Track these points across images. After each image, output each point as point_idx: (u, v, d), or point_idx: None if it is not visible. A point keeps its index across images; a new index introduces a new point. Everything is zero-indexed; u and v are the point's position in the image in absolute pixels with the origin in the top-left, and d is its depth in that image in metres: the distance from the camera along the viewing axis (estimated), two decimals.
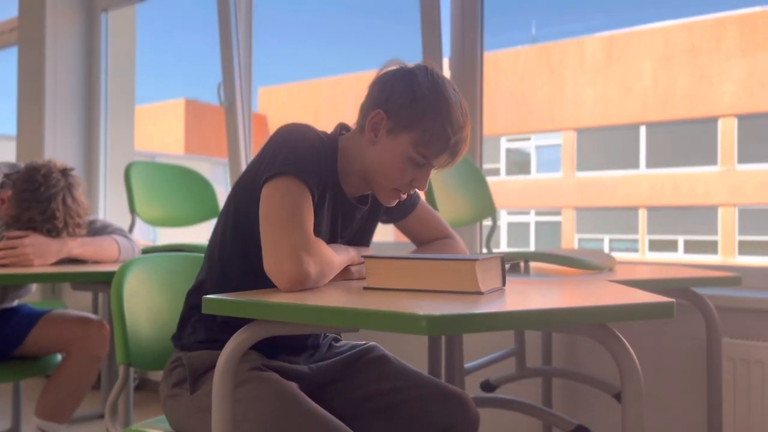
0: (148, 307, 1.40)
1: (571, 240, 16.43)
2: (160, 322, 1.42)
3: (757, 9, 14.11)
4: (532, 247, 16.48)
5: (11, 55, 3.97)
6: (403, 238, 1.54)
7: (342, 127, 1.32)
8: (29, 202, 1.89)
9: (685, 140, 14.93)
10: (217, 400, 0.97)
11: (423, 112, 1.18)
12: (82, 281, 1.91)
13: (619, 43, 15.60)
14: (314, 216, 1.14)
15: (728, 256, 14.55)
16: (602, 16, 23.66)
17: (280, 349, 1.23)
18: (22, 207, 1.89)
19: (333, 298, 0.99)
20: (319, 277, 1.09)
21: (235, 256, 1.23)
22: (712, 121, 14.61)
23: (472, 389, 1.94)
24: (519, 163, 17.31)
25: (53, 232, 1.91)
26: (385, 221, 1.43)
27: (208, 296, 0.99)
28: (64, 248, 1.91)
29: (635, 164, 15.66)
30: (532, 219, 17.37)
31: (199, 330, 1.24)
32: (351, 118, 1.32)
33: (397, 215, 1.42)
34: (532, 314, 0.86)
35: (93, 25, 3.67)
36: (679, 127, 14.94)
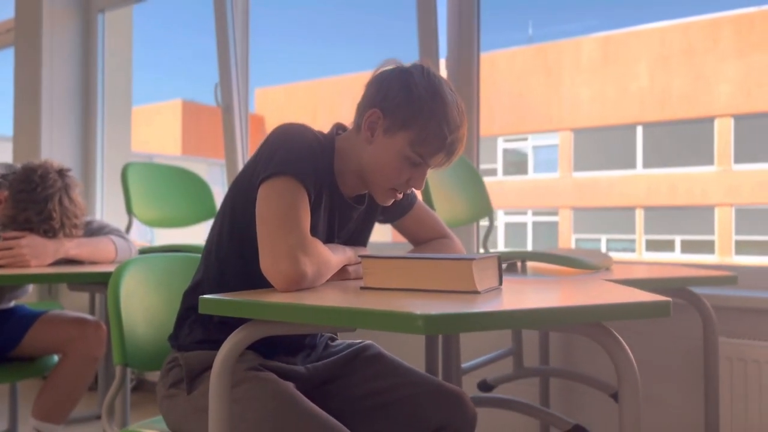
0: (144, 307, 1.40)
1: (569, 240, 16.45)
2: (157, 323, 1.42)
3: (753, 9, 14.14)
4: (529, 247, 16.48)
5: (8, 55, 3.96)
6: (401, 238, 1.54)
7: (338, 127, 1.32)
8: (26, 203, 1.88)
9: (682, 140, 14.96)
10: (214, 401, 0.97)
11: (419, 111, 1.18)
12: (79, 282, 1.90)
13: (615, 43, 15.62)
14: (311, 216, 1.14)
15: (725, 256, 14.58)
16: (599, 16, 23.70)
17: (277, 349, 1.23)
18: (18, 208, 1.88)
19: (330, 298, 0.99)
20: (316, 277, 1.09)
21: (232, 257, 1.23)
22: (709, 121, 14.64)
23: (469, 389, 1.94)
24: (516, 164, 17.33)
25: (50, 233, 1.90)
26: (382, 221, 1.43)
27: (204, 296, 0.99)
28: (60, 249, 1.91)
29: (632, 164, 15.68)
30: (529, 219, 17.38)
31: (196, 330, 1.23)
32: (348, 119, 1.32)
33: (394, 215, 1.42)
34: (528, 313, 0.86)
35: (90, 25, 3.66)
36: (676, 127, 14.97)
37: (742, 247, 14.59)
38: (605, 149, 15.88)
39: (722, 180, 14.60)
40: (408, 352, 1.93)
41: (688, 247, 15.26)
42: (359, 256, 1.13)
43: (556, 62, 16.18)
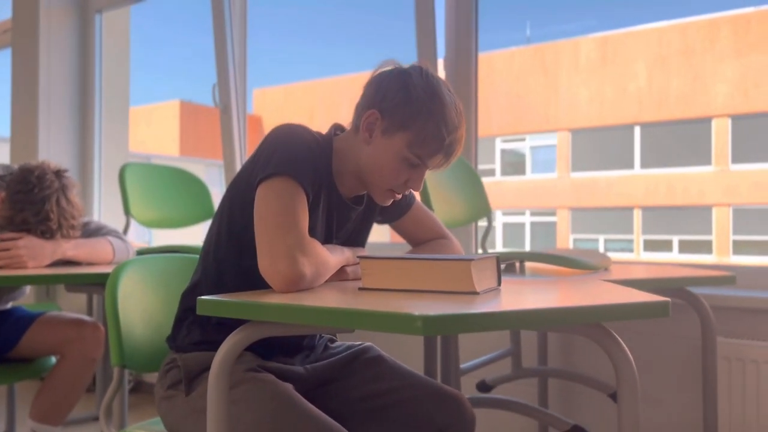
0: (142, 308, 1.40)
1: (567, 240, 16.46)
2: (155, 324, 1.41)
3: (750, 9, 14.17)
4: (527, 248, 16.51)
5: (5, 56, 3.95)
6: (399, 239, 1.54)
7: (337, 128, 1.32)
8: (23, 204, 1.88)
9: (680, 140, 14.98)
10: (213, 402, 0.97)
11: (418, 112, 1.18)
12: (77, 283, 1.90)
13: (613, 43, 15.64)
14: (309, 216, 1.14)
15: (723, 256, 14.60)
16: (596, 16, 23.72)
17: (275, 350, 1.23)
18: (15, 208, 1.88)
19: (328, 299, 0.99)
20: (315, 278, 1.09)
21: (230, 257, 1.22)
22: (706, 121, 14.66)
23: (468, 389, 1.94)
24: (514, 164, 17.34)
25: (47, 234, 1.90)
26: (380, 221, 1.43)
27: (202, 297, 0.99)
28: (58, 250, 1.91)
29: (630, 164, 15.70)
30: (527, 219, 17.39)
31: (194, 331, 1.23)
32: (346, 119, 1.32)
33: (393, 215, 1.42)
34: (528, 314, 0.86)
35: (87, 26, 3.66)
36: (674, 127, 14.99)
37: (739, 247, 14.62)
38: (603, 149, 15.89)
39: (720, 180, 14.62)
40: (407, 353, 1.93)
41: (685, 247, 15.28)
42: (357, 256, 1.13)
43: (554, 62, 16.20)
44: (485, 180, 2.38)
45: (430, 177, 2.00)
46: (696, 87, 14.66)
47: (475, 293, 1.00)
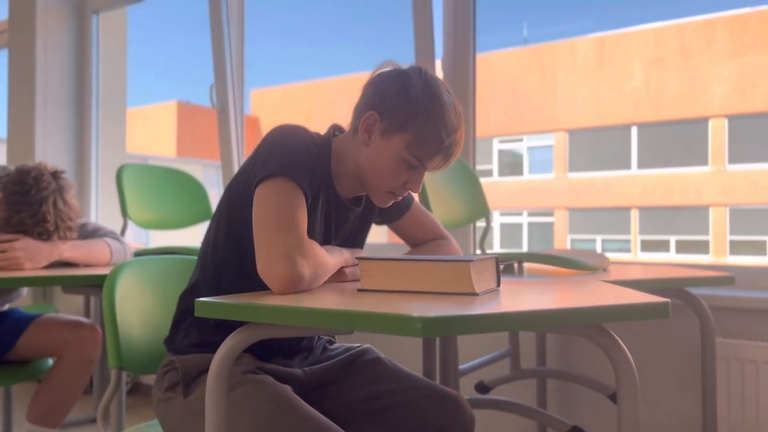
0: (140, 310, 1.39)
1: (564, 240, 16.47)
2: (153, 326, 1.41)
3: (747, 10, 14.20)
4: (524, 248, 16.52)
5: (1, 57, 3.95)
6: (397, 239, 1.54)
7: (335, 128, 1.31)
8: (20, 205, 1.87)
9: (677, 141, 15.00)
10: (211, 404, 0.97)
11: (417, 113, 1.18)
12: (74, 284, 1.89)
13: (610, 44, 15.66)
14: (308, 217, 1.14)
15: (720, 256, 14.62)
16: (593, 17, 23.76)
17: (273, 351, 1.23)
18: (12, 210, 1.87)
19: (327, 300, 0.98)
20: (313, 279, 1.08)
21: (228, 259, 1.22)
22: (703, 121, 14.69)
23: (466, 390, 1.94)
24: (511, 164, 17.35)
25: (44, 235, 1.89)
26: (379, 222, 1.43)
27: (201, 299, 0.99)
28: (55, 251, 1.90)
29: (627, 165, 15.72)
30: (524, 220, 17.40)
31: (192, 333, 1.23)
32: (343, 120, 1.32)
33: (391, 216, 1.42)
34: (528, 315, 0.86)
35: (84, 27, 3.65)
36: (671, 127, 15.01)
37: (736, 247, 14.64)
38: (600, 150, 15.91)
39: (717, 180, 14.65)
40: (406, 354, 1.92)
41: (683, 247, 15.31)
42: (356, 257, 1.12)
43: (551, 63, 16.21)
44: (482, 180, 2.38)
45: (429, 178, 1.99)
46: (693, 87, 14.69)
47: (475, 294, 1.00)
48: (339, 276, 1.20)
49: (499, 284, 1.11)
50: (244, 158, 3.09)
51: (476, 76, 2.56)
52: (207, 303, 0.98)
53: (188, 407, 1.18)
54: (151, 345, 1.39)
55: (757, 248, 14.52)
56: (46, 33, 3.54)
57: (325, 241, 1.24)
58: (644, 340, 2.02)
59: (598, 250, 13.63)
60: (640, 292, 1.05)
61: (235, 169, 3.06)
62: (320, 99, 18.93)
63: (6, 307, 2.08)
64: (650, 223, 15.59)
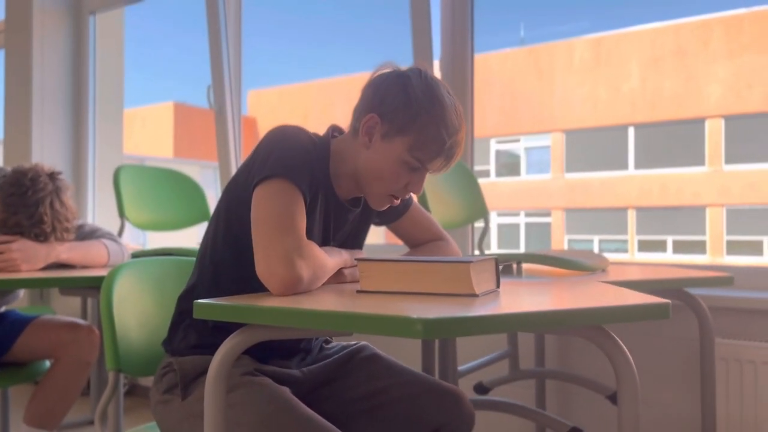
0: (138, 312, 1.39)
1: (561, 241, 16.49)
2: (151, 327, 1.40)
3: (742, 10, 14.23)
4: (522, 248, 16.53)
5: None
6: (394, 240, 1.54)
7: (334, 129, 1.31)
8: (16, 207, 1.86)
9: (673, 141, 15.02)
10: (209, 406, 0.96)
11: (418, 115, 1.17)
12: (71, 286, 1.88)
13: (607, 44, 15.68)
14: (306, 219, 1.13)
15: (716, 256, 14.65)
16: (590, 18, 23.79)
17: (272, 353, 1.22)
18: (9, 211, 1.86)
19: (326, 302, 0.98)
20: (312, 281, 1.08)
21: (227, 260, 1.21)
22: (700, 122, 14.71)
23: (465, 391, 1.94)
24: (508, 165, 17.36)
25: (41, 237, 1.88)
26: (378, 223, 1.42)
27: (199, 301, 0.98)
28: (52, 253, 1.89)
29: (624, 165, 15.74)
30: (521, 220, 17.41)
31: (190, 335, 1.22)
32: (341, 121, 1.31)
33: (390, 217, 1.42)
34: (529, 317, 0.85)
35: (81, 28, 3.64)
36: (667, 128, 15.04)
37: (733, 247, 14.67)
38: (597, 150, 15.93)
39: (713, 180, 14.67)
40: (404, 355, 1.92)
41: (680, 247, 15.33)
42: (355, 259, 1.12)
43: (548, 63, 16.23)
44: (480, 181, 2.38)
45: (428, 179, 1.99)
46: (689, 88, 14.71)
47: (475, 295, 0.99)
48: (338, 277, 1.20)
49: (498, 285, 1.10)
50: (242, 159, 3.09)
51: (474, 77, 2.56)
52: (206, 305, 0.97)
53: (187, 409, 1.17)
54: (149, 347, 1.38)
55: (753, 248, 14.55)
56: (42, 33, 3.53)
57: (323, 243, 1.24)
58: (643, 340, 2.02)
59: (596, 250, 13.64)
60: (640, 292, 1.04)
61: (233, 169, 3.06)
62: (317, 100, 18.92)
63: (2, 308, 2.07)
64: (647, 223, 15.61)
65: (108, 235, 2.09)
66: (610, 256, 1.82)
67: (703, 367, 1.68)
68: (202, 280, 1.24)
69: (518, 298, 1.04)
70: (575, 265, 1.51)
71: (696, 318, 1.67)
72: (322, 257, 1.12)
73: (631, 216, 15.79)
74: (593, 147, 15.96)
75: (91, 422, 2.78)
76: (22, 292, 2.19)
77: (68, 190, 1.98)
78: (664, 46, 14.98)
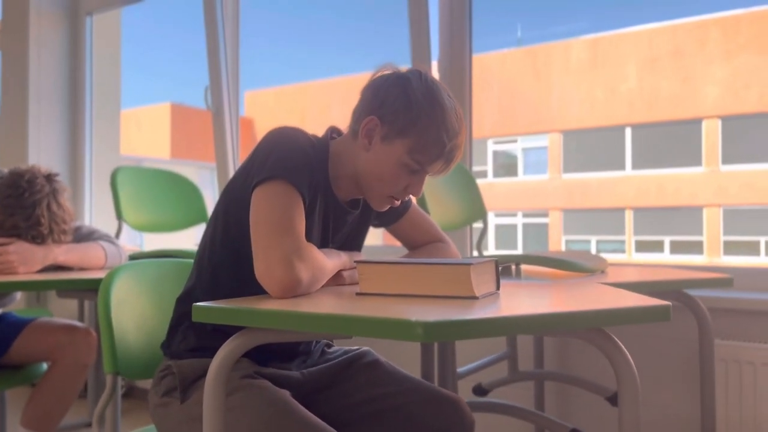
0: (136, 314, 1.38)
1: (559, 241, 16.50)
2: (149, 330, 1.39)
3: (739, 11, 14.26)
4: (519, 249, 16.54)
5: None
6: (392, 241, 1.53)
7: (333, 131, 1.31)
8: (13, 209, 1.86)
9: (670, 141, 15.04)
10: (209, 409, 0.96)
11: (418, 118, 1.17)
12: (68, 288, 1.87)
13: (604, 45, 15.69)
14: (305, 220, 1.13)
15: (714, 257, 14.67)
16: (587, 18, 23.82)
17: (271, 355, 1.22)
18: (5, 213, 1.86)
19: (325, 305, 0.97)
20: (311, 283, 1.07)
21: (226, 262, 1.21)
22: (697, 122, 14.73)
23: (464, 393, 1.93)
24: (506, 165, 17.36)
25: (38, 239, 1.88)
26: (377, 225, 1.42)
27: (198, 304, 0.98)
28: (49, 255, 1.88)
29: (621, 165, 15.75)
30: (519, 221, 17.42)
31: (189, 337, 1.22)
32: (338, 121, 1.31)
33: (389, 219, 1.41)
34: (531, 319, 0.85)
35: (77, 29, 3.63)
36: (664, 128, 15.06)
37: (730, 248, 14.69)
38: (594, 151, 15.94)
39: (710, 181, 14.70)
40: (404, 357, 1.91)
41: (677, 247, 15.35)
42: (355, 261, 1.11)
43: (546, 64, 16.24)
44: (477, 182, 2.38)
45: (427, 180, 1.99)
46: (686, 88, 14.73)
47: (475, 298, 0.99)
48: (337, 279, 1.19)
49: (498, 287, 1.10)
50: (239, 160, 3.08)
51: (472, 78, 2.56)
52: (204, 308, 0.97)
53: (185, 412, 1.16)
54: (147, 350, 1.37)
55: (750, 248, 14.58)
56: (39, 34, 3.52)
57: (322, 244, 1.23)
58: (642, 341, 2.02)
59: (593, 250, 13.66)
60: (639, 294, 1.04)
61: (230, 171, 3.05)
62: (315, 101, 18.91)
63: None
64: (644, 223, 15.63)
65: (105, 237, 2.08)
66: (608, 257, 1.82)
67: (703, 368, 1.68)
68: (200, 282, 1.23)
69: (518, 301, 1.04)
70: (574, 266, 1.51)
71: (695, 319, 1.67)
72: (321, 259, 1.11)
73: (629, 216, 15.81)
74: (590, 147, 15.98)
75: (88, 425, 2.77)
76: (19, 295, 2.18)
77: (65, 192, 1.97)
78: (661, 46, 15.00)
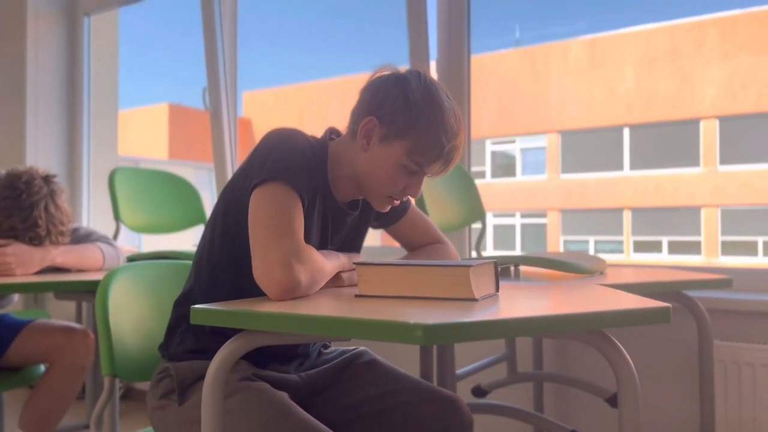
0: (134, 316, 1.38)
1: (557, 242, 16.51)
2: (147, 332, 1.39)
3: (737, 11, 14.27)
4: (517, 249, 16.55)
5: None
6: (391, 242, 1.53)
7: (332, 132, 1.30)
8: (10, 210, 1.85)
9: (668, 142, 15.06)
10: (207, 412, 0.95)
11: (417, 119, 1.17)
12: (66, 290, 1.87)
13: (602, 46, 15.71)
14: (304, 222, 1.12)
15: (711, 257, 14.68)
16: (585, 19, 23.84)
17: (270, 358, 1.21)
18: (3, 215, 1.85)
19: (325, 307, 0.97)
20: (310, 285, 1.07)
21: (224, 264, 1.20)
22: (694, 122, 14.75)
23: (463, 394, 1.93)
24: (504, 166, 17.37)
25: (35, 241, 1.87)
26: (376, 226, 1.42)
27: (196, 306, 0.97)
28: (47, 257, 1.88)
29: (619, 166, 15.77)
30: (517, 221, 17.42)
31: (187, 339, 1.21)
32: (336, 122, 1.31)
33: (388, 220, 1.41)
34: (530, 321, 0.84)
35: (75, 29, 3.62)
36: (662, 128, 15.07)
37: (728, 248, 14.71)
38: (592, 151, 15.96)
39: (708, 181, 14.71)
40: (403, 358, 1.91)
41: (675, 247, 15.36)
42: (354, 263, 1.11)
43: (544, 65, 16.25)
44: (476, 182, 2.37)
45: (426, 181, 1.99)
46: (684, 89, 14.75)
47: (474, 300, 0.99)
48: (336, 281, 1.19)
49: (497, 289, 1.10)
50: (237, 161, 3.08)
51: (470, 78, 2.56)
52: (203, 310, 0.96)
53: (184, 415, 1.16)
54: (145, 351, 1.37)
55: (748, 249, 14.59)
56: (36, 35, 3.51)
57: (321, 246, 1.23)
58: (641, 342, 2.01)
59: (591, 251, 13.67)
60: (638, 295, 1.04)
61: (228, 171, 3.04)
62: (313, 101, 18.90)
63: None
64: (642, 224, 15.65)
65: (103, 239, 2.08)
66: (606, 257, 1.82)
67: (702, 369, 1.68)
68: (198, 283, 1.23)
69: (517, 303, 1.03)
70: (573, 267, 1.50)
71: (694, 320, 1.67)
72: (320, 261, 1.11)
73: (627, 217, 15.82)
74: (588, 148, 15.99)
75: (86, 427, 2.76)
76: (16, 296, 2.17)
77: (63, 193, 1.97)
78: (658, 47, 15.01)
